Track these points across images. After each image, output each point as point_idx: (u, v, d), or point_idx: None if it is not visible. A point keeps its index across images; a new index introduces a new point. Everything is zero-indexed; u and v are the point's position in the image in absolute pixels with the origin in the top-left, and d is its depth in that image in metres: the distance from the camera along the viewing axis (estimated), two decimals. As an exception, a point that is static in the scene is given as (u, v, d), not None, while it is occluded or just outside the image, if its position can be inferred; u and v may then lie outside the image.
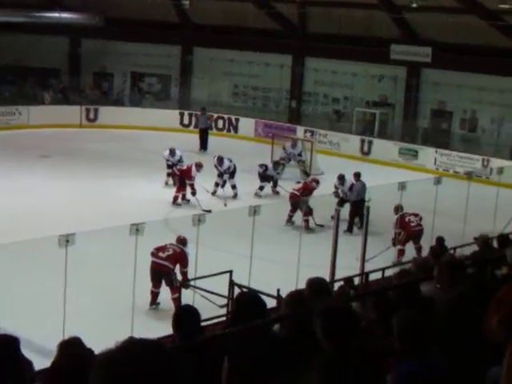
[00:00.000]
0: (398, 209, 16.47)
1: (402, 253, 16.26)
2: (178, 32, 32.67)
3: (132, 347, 2.06)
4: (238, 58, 32.69)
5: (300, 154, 25.16)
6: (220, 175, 21.59)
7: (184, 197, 20.66)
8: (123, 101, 34.31)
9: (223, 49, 32.34)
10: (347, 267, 12.74)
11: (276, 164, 22.37)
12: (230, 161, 21.65)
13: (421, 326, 4.20)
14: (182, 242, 13.25)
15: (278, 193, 21.87)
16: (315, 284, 5.79)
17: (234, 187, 21.47)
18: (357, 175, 19.15)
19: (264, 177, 21.75)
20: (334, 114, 31.51)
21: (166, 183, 22.24)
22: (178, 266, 13.08)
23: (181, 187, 20.64)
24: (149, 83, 34.93)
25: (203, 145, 28.34)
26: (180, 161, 22.06)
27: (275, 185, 22.00)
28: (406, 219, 16.47)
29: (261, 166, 21.81)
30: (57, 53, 33.50)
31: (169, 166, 22.33)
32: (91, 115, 31.94)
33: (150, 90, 34.85)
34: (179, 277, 13.02)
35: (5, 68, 31.85)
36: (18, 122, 30.29)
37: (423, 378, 3.97)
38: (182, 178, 20.69)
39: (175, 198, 20.56)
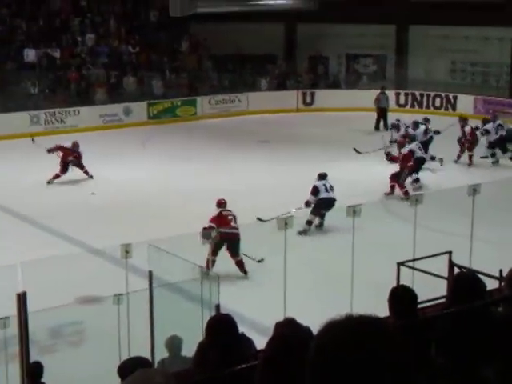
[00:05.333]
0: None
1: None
2: (392, 10, 32.21)
3: (359, 326, 1.71)
4: (452, 34, 31.72)
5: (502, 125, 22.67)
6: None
7: None
8: (339, 83, 34.41)
9: (439, 25, 31.49)
10: None
11: None
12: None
13: None
14: None
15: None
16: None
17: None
18: None
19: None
20: None
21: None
22: None
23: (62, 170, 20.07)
24: (364, 64, 34.81)
25: (384, 124, 27.57)
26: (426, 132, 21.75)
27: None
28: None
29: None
30: (273, 39, 34.19)
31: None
32: (308, 99, 32.35)
33: (365, 71, 34.72)
34: None
35: (224, 57, 33.00)
36: (238, 109, 31.37)
37: None
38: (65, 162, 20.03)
39: (56, 176, 19.96)
